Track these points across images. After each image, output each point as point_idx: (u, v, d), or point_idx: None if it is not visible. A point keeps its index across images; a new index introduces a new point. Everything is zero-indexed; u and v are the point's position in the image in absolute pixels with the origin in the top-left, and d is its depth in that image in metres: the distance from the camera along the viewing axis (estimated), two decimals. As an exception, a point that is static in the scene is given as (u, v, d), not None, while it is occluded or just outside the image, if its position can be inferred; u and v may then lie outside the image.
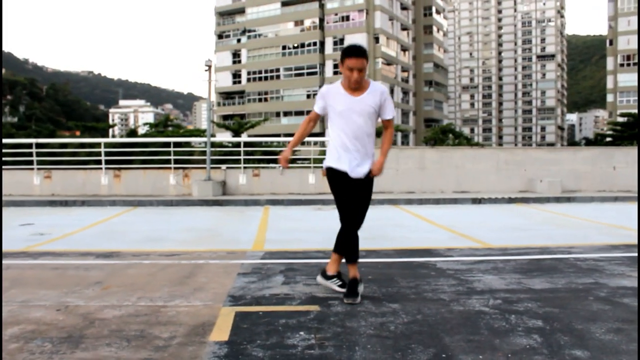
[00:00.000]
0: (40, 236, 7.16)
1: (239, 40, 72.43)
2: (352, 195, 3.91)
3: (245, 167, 12.80)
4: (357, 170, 3.87)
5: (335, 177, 3.93)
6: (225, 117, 67.85)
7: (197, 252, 5.81)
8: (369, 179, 3.95)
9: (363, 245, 5.95)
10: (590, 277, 4.59)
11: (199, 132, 33.98)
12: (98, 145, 12.96)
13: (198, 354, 2.80)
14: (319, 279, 4.20)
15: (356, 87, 3.83)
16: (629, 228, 7.84)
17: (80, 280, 4.46)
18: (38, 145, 12.53)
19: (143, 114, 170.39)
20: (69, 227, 8.02)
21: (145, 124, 40.28)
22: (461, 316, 3.47)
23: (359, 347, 2.89)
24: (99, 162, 12.56)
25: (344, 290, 3.93)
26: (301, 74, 66.29)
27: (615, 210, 10.44)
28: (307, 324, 3.30)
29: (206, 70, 12.12)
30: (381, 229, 7.71)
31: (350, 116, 3.84)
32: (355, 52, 3.74)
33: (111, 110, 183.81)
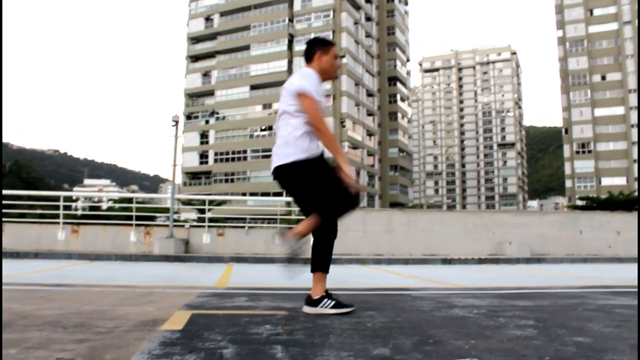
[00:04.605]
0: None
1: (207, 122, 73.04)
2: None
3: (209, 226, 12.37)
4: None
5: (321, 162, 3.45)
6: (191, 197, 67.12)
7: (154, 286, 5.36)
8: None
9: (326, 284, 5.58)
10: (575, 299, 4.32)
11: (164, 210, 33.38)
12: (57, 199, 12.41)
13: (145, 337, 2.40)
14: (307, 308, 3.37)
15: (334, 78, 3.67)
16: (603, 278, 7.66)
17: (22, 296, 3.98)
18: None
19: (108, 194, 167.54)
20: (18, 271, 7.42)
21: (109, 199, 39.70)
22: (444, 319, 3.14)
23: (333, 335, 2.53)
24: (56, 216, 11.98)
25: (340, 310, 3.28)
26: (268, 156, 66.51)
27: (586, 268, 10.30)
28: (273, 321, 2.93)
29: (173, 126, 11.94)
30: (349, 279, 7.35)
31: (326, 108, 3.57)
32: (334, 43, 3.65)
33: (75, 189, 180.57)
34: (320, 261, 3.37)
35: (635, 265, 10.66)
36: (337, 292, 4.57)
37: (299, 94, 3.32)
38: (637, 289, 5.35)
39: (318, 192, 3.33)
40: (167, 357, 2.04)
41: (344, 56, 64.91)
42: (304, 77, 3.40)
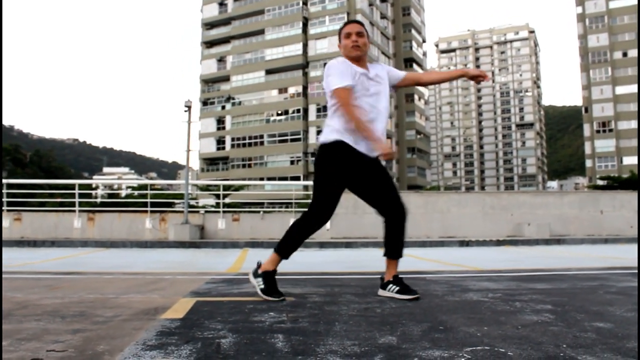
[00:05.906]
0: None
1: (223, 107, 72.99)
2: (374, 181, 3.52)
3: (224, 212, 12.33)
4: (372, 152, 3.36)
5: (348, 155, 3.28)
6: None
7: (165, 273, 5.30)
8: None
9: (339, 268, 5.47)
10: (595, 281, 4.16)
11: (180, 196, 33.52)
12: (74, 187, 12.41)
13: (142, 327, 2.31)
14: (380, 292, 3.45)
15: (359, 53, 3.25)
16: (625, 258, 7.46)
17: (28, 285, 3.93)
18: (9, 186, 12.01)
19: (126, 182, 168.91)
20: (32, 259, 7.44)
21: (128, 187, 39.96)
22: (457, 304, 3.02)
23: (339, 323, 2.42)
24: (72, 204, 12.02)
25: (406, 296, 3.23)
26: (285, 141, 66.55)
27: (607, 248, 10.08)
28: (278, 308, 2.83)
29: (186, 111, 11.86)
30: (364, 262, 7.24)
31: (379, 93, 3.30)
32: (350, 21, 3.41)
33: (95, 177, 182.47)
34: (391, 247, 3.53)
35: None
36: (351, 277, 4.47)
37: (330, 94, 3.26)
38: (637, 271, 5.15)
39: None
40: (162, 347, 1.95)
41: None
42: (326, 75, 3.29)
